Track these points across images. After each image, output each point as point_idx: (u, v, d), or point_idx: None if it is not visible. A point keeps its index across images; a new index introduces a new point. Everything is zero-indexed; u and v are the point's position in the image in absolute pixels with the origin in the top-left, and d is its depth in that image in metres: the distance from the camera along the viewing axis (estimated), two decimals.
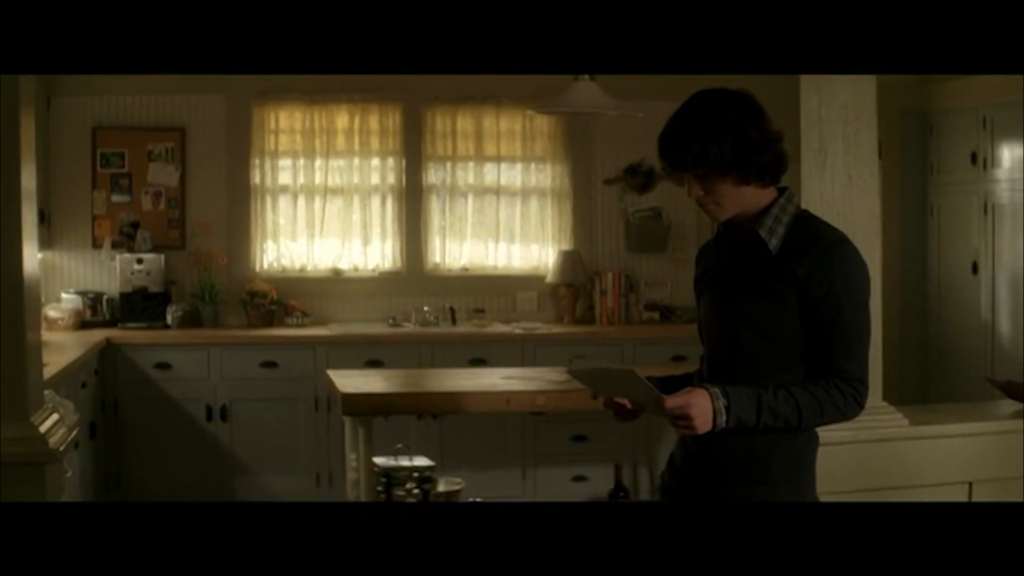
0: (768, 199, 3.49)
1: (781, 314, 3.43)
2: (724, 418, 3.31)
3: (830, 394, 3.39)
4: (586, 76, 7.18)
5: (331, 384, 6.54)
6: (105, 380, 8.20)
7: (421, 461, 6.64)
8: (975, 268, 8.79)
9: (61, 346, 7.48)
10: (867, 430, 4.38)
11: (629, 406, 3.50)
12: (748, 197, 3.47)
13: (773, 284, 3.44)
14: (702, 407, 3.29)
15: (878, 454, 4.62)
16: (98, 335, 8.28)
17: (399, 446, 6.67)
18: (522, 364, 8.39)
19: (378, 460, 6.45)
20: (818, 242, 3.45)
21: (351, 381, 6.42)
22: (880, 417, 4.64)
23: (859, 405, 3.43)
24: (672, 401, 3.29)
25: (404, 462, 6.58)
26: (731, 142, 3.36)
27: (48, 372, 5.50)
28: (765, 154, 3.40)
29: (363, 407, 6.09)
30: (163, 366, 8.34)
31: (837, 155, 4.31)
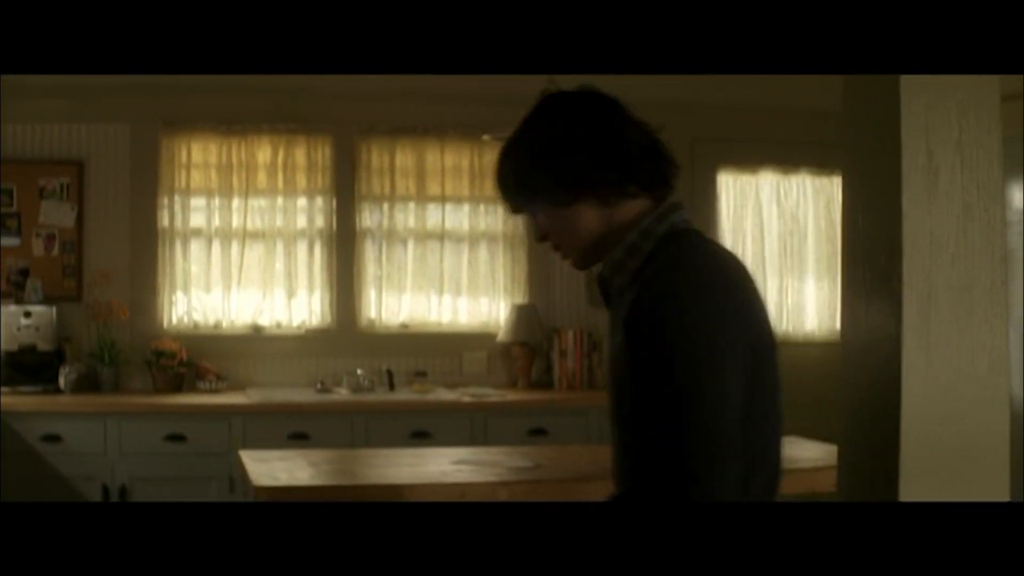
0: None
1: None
2: None
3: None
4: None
5: (243, 470, 5.44)
6: None
7: None
8: None
9: None
10: None
11: None
12: (604, 227, 2.72)
13: (614, 345, 2.67)
14: None
15: None
16: None
17: None
18: (471, 437, 7.52)
19: None
20: (647, 271, 2.62)
21: (268, 468, 5.29)
22: None
23: None
24: None
25: None
26: (553, 161, 2.69)
27: None
28: (611, 169, 2.68)
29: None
30: (52, 438, 7.28)
31: (952, 174, 3.12)
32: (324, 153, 8.36)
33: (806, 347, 8.98)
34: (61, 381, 7.70)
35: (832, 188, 9.12)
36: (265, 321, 8.33)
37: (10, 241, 7.98)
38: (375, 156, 8.45)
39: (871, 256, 2.94)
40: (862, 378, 3.03)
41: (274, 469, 5.30)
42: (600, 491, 5.14)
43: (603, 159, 2.67)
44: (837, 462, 3.16)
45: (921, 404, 2.87)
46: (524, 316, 8.42)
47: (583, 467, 5.59)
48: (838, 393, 3.13)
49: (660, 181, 2.73)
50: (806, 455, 5.88)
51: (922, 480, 2.86)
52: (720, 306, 2.55)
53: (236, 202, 8.22)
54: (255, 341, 8.31)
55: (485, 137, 7.22)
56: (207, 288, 8.26)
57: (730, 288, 2.62)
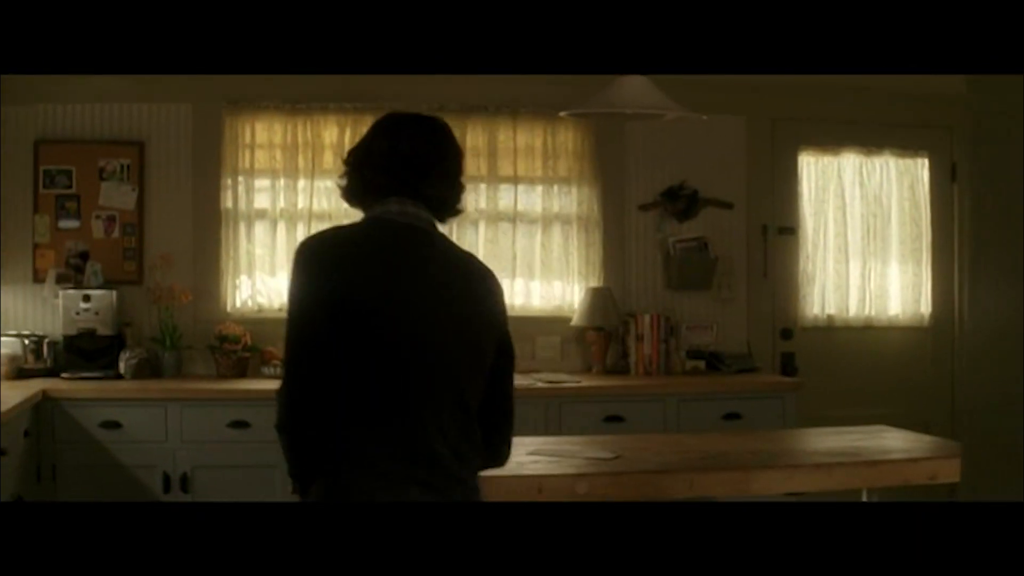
0: None
1: None
2: None
3: None
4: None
5: None
6: (41, 443, 6.88)
7: None
8: None
9: None
10: None
11: None
12: None
13: None
14: None
15: None
16: (36, 387, 6.98)
17: None
18: (545, 424, 7.21)
19: None
20: None
21: None
22: None
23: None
24: None
25: None
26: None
27: None
28: (350, 178, 3.65)
29: None
30: (112, 425, 7.03)
31: None
32: None
33: (890, 331, 8.66)
34: (121, 366, 7.48)
35: (916, 169, 8.81)
36: None
37: (70, 223, 7.76)
38: None
39: (998, 241, 2.67)
40: (987, 367, 2.77)
41: None
42: (686, 483, 4.89)
43: (354, 168, 3.65)
44: (960, 456, 2.90)
45: None
46: (599, 300, 8.10)
47: (666, 457, 5.30)
48: (958, 383, 2.89)
49: (384, 184, 3.57)
50: (898, 446, 5.58)
51: None
52: (295, 278, 3.41)
53: (302, 183, 7.94)
54: None
55: (562, 114, 6.88)
56: (272, 271, 7.98)
57: (305, 263, 3.41)
